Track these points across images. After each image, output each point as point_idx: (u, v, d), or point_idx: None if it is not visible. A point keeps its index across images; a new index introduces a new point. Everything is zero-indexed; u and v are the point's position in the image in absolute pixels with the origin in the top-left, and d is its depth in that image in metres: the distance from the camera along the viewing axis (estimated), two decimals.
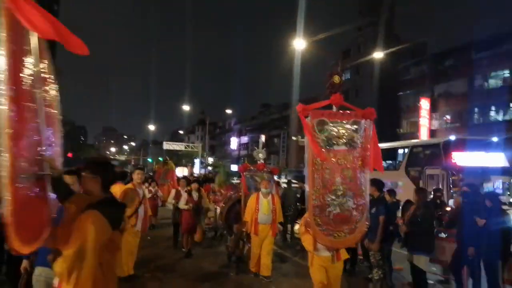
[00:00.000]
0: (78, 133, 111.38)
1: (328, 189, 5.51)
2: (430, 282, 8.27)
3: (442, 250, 8.70)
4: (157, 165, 30.91)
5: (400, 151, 19.14)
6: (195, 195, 11.01)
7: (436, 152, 18.35)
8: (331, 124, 5.67)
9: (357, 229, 5.54)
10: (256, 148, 10.86)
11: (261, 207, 8.82)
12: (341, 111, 5.80)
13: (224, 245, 10.70)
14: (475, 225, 7.14)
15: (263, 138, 11.68)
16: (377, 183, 7.86)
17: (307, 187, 5.62)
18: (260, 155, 10.57)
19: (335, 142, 5.62)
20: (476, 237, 7.18)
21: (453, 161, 16.93)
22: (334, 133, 5.65)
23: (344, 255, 6.05)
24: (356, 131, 5.68)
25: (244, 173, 10.24)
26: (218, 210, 12.01)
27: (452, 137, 18.72)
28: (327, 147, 5.61)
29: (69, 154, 62.05)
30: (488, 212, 7.18)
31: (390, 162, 19.97)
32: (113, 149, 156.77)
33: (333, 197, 5.50)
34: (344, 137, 5.64)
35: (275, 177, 11.64)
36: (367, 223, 5.64)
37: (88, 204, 3.22)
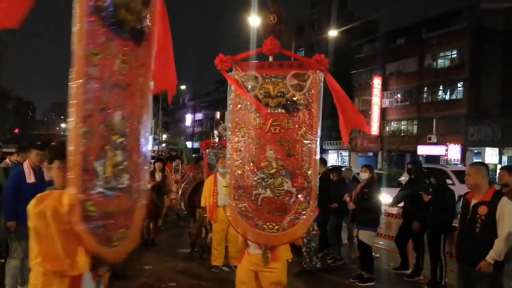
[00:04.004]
0: (26, 108, 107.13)
1: (256, 166, 4.27)
2: (376, 256, 8.53)
3: (389, 225, 9.00)
4: None
5: None
6: (158, 175, 9.63)
7: None
8: (263, 80, 4.35)
9: (300, 221, 4.19)
10: (221, 122, 9.50)
11: (220, 189, 7.61)
12: (278, 62, 4.45)
13: (187, 232, 9.65)
14: (420, 201, 7.40)
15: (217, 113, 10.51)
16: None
17: (227, 162, 4.52)
18: (223, 131, 9.13)
19: (267, 104, 4.32)
20: (421, 212, 7.45)
21: None
22: (267, 92, 4.32)
23: (285, 254, 4.51)
24: (298, 88, 4.31)
25: (207, 151, 9.05)
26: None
27: None
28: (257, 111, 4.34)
29: (16, 130, 59.97)
30: (433, 189, 7.45)
31: None
32: (63, 125, 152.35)
33: (262, 176, 4.25)
34: (281, 96, 4.30)
35: None
36: (313, 213, 4.28)
37: None
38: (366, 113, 40.25)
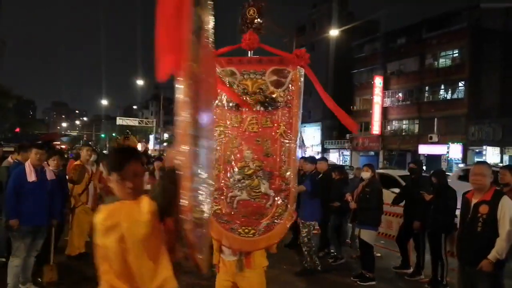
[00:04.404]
0: (27, 107, 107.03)
1: (232, 166, 4.05)
2: (378, 255, 8.53)
3: (390, 224, 9.00)
4: (116, 140, 29.95)
5: None
6: (158, 175, 9.23)
7: None
8: (241, 76, 4.11)
9: (277, 225, 3.90)
10: None
11: None
12: (257, 57, 4.22)
13: None
14: (421, 200, 7.40)
15: None
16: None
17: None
18: None
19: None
20: (422, 211, 7.45)
21: None
22: (245, 89, 4.08)
23: (261, 261, 4.07)
24: (277, 84, 4.06)
25: None
26: None
27: None
28: (235, 108, 4.11)
29: (17, 129, 59.99)
30: (434, 188, 7.45)
31: None
32: (64, 124, 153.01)
33: (239, 177, 4.01)
34: (260, 93, 4.05)
35: None
36: (291, 217, 3.99)
37: None
38: (367, 112, 40.32)
